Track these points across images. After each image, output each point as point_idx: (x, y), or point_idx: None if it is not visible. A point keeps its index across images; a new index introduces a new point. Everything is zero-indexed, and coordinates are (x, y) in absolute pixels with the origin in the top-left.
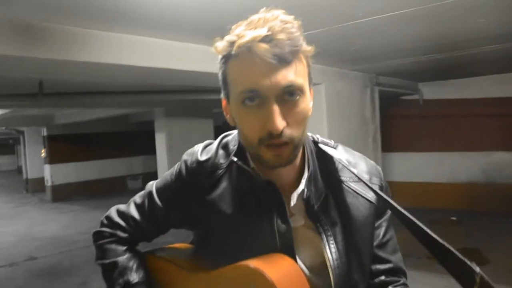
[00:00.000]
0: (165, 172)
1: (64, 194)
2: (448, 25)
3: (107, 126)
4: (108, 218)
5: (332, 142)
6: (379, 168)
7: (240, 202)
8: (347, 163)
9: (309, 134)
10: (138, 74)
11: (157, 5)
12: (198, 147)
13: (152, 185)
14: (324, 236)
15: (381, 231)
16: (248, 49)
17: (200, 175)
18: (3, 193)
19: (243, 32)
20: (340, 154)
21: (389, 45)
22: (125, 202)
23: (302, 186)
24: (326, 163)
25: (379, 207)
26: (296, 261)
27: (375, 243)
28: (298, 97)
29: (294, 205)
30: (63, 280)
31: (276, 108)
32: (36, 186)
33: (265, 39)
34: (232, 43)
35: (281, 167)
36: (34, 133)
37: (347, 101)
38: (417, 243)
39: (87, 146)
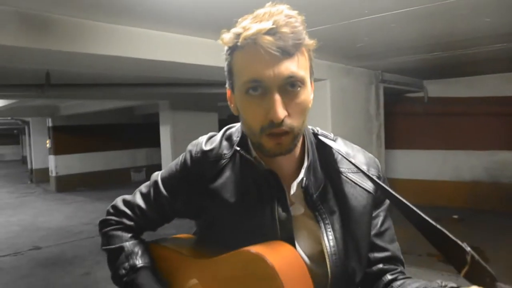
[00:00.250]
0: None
1: (68, 185)
2: (453, 24)
3: (112, 118)
4: (114, 207)
5: (331, 135)
6: (377, 160)
7: (242, 190)
8: (346, 154)
9: (310, 126)
10: (144, 66)
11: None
12: (203, 138)
13: (157, 175)
14: (322, 224)
15: (379, 220)
16: (253, 41)
17: (204, 165)
18: (7, 183)
19: (249, 25)
20: (339, 146)
21: (394, 42)
22: (129, 194)
23: (301, 175)
24: (325, 154)
25: (377, 197)
26: (295, 248)
27: (373, 232)
28: (299, 89)
29: (294, 194)
30: (67, 270)
31: (278, 98)
32: (41, 176)
33: (269, 32)
34: (238, 35)
35: (281, 155)
36: (39, 124)
37: (351, 97)
38: (418, 241)
39: (92, 137)
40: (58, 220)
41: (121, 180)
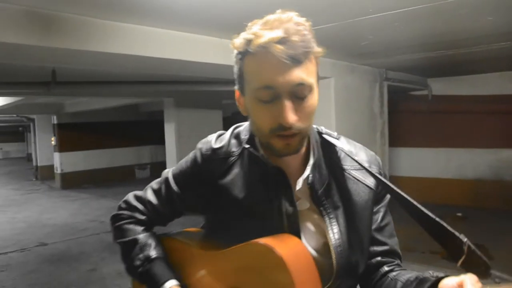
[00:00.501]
0: (174, 161)
1: (73, 182)
2: (457, 22)
3: (116, 115)
4: (126, 202)
5: (335, 134)
6: (378, 158)
7: (250, 186)
8: (349, 152)
9: (314, 125)
10: (151, 64)
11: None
12: (212, 136)
13: (168, 172)
14: (327, 219)
15: (379, 216)
16: (265, 49)
17: (214, 162)
18: (13, 180)
19: (260, 32)
20: (343, 144)
21: (399, 40)
22: (133, 190)
23: (307, 172)
24: (329, 152)
25: (378, 193)
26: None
27: (373, 227)
28: (308, 94)
29: (300, 189)
30: (73, 266)
31: (288, 104)
32: (46, 173)
33: (281, 41)
34: (249, 41)
35: (288, 155)
36: (44, 121)
37: (355, 95)
38: (421, 238)
39: (96, 134)
40: (64, 217)
41: (126, 177)
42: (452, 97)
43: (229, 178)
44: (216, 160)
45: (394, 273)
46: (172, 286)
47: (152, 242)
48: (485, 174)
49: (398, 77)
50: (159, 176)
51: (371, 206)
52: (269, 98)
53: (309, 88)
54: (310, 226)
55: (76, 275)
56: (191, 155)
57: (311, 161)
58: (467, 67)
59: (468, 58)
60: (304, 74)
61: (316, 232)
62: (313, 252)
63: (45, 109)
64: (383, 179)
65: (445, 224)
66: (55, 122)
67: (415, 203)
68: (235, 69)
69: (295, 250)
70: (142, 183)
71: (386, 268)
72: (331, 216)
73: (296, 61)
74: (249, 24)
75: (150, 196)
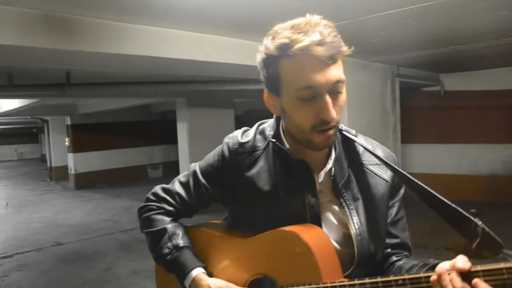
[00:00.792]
0: (187, 160)
1: (87, 182)
2: (470, 17)
3: (129, 115)
4: (155, 194)
5: (353, 131)
6: (393, 154)
7: (275, 178)
8: (367, 148)
9: None
10: (163, 65)
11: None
12: (238, 132)
13: (195, 165)
14: (347, 210)
15: (394, 210)
16: (305, 51)
17: (241, 155)
18: (28, 180)
19: (297, 36)
20: (361, 141)
21: (410, 37)
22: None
23: (329, 165)
24: (349, 147)
25: (393, 187)
26: None
27: (388, 221)
28: (342, 90)
29: (321, 182)
30: (88, 265)
31: (329, 100)
32: (60, 174)
33: (320, 43)
34: (286, 45)
35: (325, 148)
36: (58, 122)
37: (367, 92)
38: (435, 235)
39: (109, 135)
40: (78, 217)
41: (139, 177)
42: (464, 93)
43: (254, 170)
44: (243, 154)
45: (400, 262)
46: (199, 273)
47: (180, 232)
48: (499, 170)
49: (409, 73)
50: (171, 175)
51: (387, 200)
52: (310, 96)
53: (343, 84)
54: (330, 217)
55: (91, 274)
56: (218, 149)
57: (333, 155)
58: (479, 62)
59: (480, 53)
60: (340, 71)
61: (336, 223)
62: (333, 242)
63: (59, 111)
64: (400, 169)
65: (460, 210)
66: (69, 123)
67: (431, 190)
68: (265, 72)
69: (319, 237)
70: (155, 183)
71: (394, 258)
72: (351, 208)
73: (333, 60)
74: (275, 28)
75: (178, 188)
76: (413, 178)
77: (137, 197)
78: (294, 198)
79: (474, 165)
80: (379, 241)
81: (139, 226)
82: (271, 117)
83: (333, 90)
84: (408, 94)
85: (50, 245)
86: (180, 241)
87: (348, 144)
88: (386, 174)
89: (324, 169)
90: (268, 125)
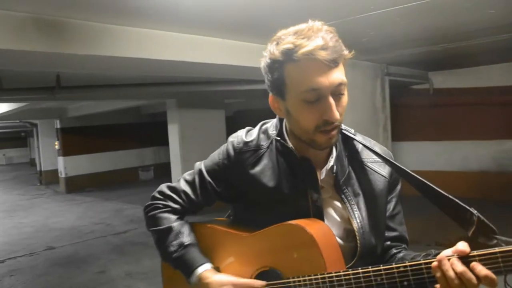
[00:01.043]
0: (179, 161)
1: (77, 185)
2: (458, 16)
3: (119, 118)
4: (161, 192)
5: (352, 130)
6: (390, 152)
7: (279, 175)
8: (365, 146)
9: None
10: (155, 66)
11: (174, 1)
12: (242, 131)
13: (200, 164)
14: (348, 205)
15: (392, 205)
16: (309, 56)
17: (245, 153)
18: (17, 185)
19: (301, 41)
20: (359, 139)
21: (400, 35)
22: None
23: (331, 163)
24: (348, 146)
25: (391, 182)
26: None
27: (387, 214)
28: (344, 91)
29: (323, 179)
30: (82, 268)
31: (333, 102)
32: (50, 178)
33: (323, 47)
34: (291, 50)
35: (328, 148)
36: (47, 126)
37: (357, 91)
38: (427, 231)
39: (100, 138)
40: (70, 221)
41: (129, 179)
42: (453, 90)
43: (259, 168)
44: (247, 152)
45: (401, 254)
46: (204, 271)
47: (185, 230)
48: (489, 166)
49: (399, 71)
50: (163, 177)
51: (385, 195)
52: (314, 98)
53: (345, 86)
54: (332, 212)
55: (85, 278)
56: (223, 148)
57: (334, 154)
58: (468, 59)
59: (469, 50)
60: (342, 74)
61: (337, 218)
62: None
63: (49, 114)
64: (398, 164)
65: (457, 200)
66: (59, 126)
67: (428, 183)
68: (270, 77)
69: (322, 230)
70: (146, 185)
71: (394, 251)
72: (352, 203)
73: (336, 63)
74: (278, 34)
75: (184, 186)
76: (411, 172)
77: (128, 200)
78: (298, 194)
79: (465, 162)
80: (379, 235)
81: (145, 224)
82: (262, 118)
83: (336, 92)
84: (398, 92)
85: (42, 249)
86: (186, 239)
87: (348, 143)
88: (384, 171)
89: (326, 166)
90: (271, 125)
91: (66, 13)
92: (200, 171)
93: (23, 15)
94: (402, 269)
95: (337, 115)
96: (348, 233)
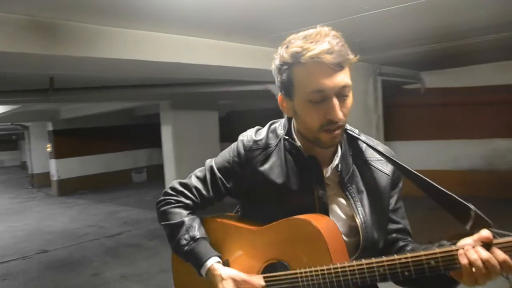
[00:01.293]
0: (172, 163)
1: (70, 188)
2: (450, 17)
3: (112, 119)
4: (173, 188)
5: (356, 130)
6: (392, 152)
7: (287, 172)
8: (369, 145)
9: None
10: (150, 68)
11: (168, 3)
12: (251, 130)
13: (211, 161)
14: (352, 202)
15: (394, 199)
16: (315, 59)
17: (254, 151)
18: (8, 188)
19: (308, 45)
20: (363, 139)
21: (393, 36)
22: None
23: (336, 161)
24: (353, 145)
25: (393, 180)
26: None
27: (389, 208)
28: (348, 94)
29: (328, 176)
30: (76, 271)
31: (337, 103)
32: (42, 181)
33: (329, 51)
34: (299, 53)
35: (332, 147)
36: (39, 128)
37: None
38: (420, 229)
39: (92, 140)
40: (63, 224)
41: (122, 181)
42: (444, 90)
43: (267, 165)
44: (257, 150)
45: (410, 247)
46: (213, 263)
47: (196, 224)
48: (479, 165)
49: (391, 71)
50: (156, 179)
51: (388, 191)
52: (319, 99)
53: (349, 88)
54: (336, 209)
55: (79, 280)
56: (233, 146)
57: (339, 152)
58: (459, 59)
59: (459, 50)
60: (346, 77)
61: (341, 214)
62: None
63: (41, 116)
64: (400, 163)
65: (455, 196)
66: (51, 128)
67: (429, 180)
68: (279, 78)
69: (328, 224)
70: (139, 187)
71: (401, 243)
72: (356, 199)
73: (341, 67)
74: (288, 38)
75: (196, 182)
76: (413, 170)
77: (121, 202)
78: (304, 190)
79: (455, 161)
80: (382, 230)
81: (157, 218)
82: (254, 118)
83: (340, 94)
84: (390, 92)
85: (35, 253)
86: (197, 232)
87: (353, 143)
88: (387, 169)
89: (331, 165)
90: (279, 124)
91: (63, 15)
92: (211, 167)
93: (18, 17)
94: (416, 258)
95: (340, 115)
96: (352, 229)
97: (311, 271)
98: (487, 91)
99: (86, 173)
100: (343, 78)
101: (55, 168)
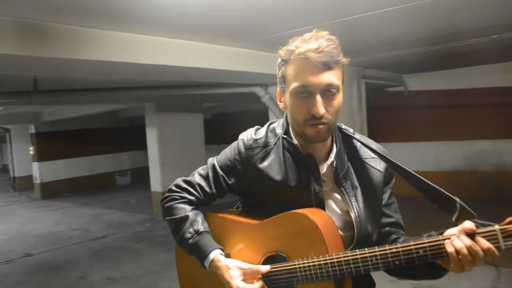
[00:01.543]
0: (158, 165)
1: (53, 191)
2: (430, 22)
3: (95, 122)
4: (177, 185)
5: (351, 130)
6: (385, 150)
7: (285, 169)
8: (363, 143)
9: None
10: (136, 70)
11: (155, 6)
12: (251, 130)
13: (213, 159)
14: (347, 197)
15: (387, 195)
16: (303, 57)
17: (255, 149)
18: None
19: (300, 44)
20: (357, 137)
21: (376, 39)
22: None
23: (331, 158)
24: (348, 143)
25: (386, 176)
26: None
27: (383, 203)
28: (334, 93)
29: (324, 173)
30: (61, 275)
31: (319, 99)
32: (24, 184)
33: (316, 51)
34: (292, 51)
35: (319, 142)
36: (21, 131)
37: None
38: (407, 226)
39: (76, 142)
40: (47, 227)
41: (106, 184)
42: (427, 92)
43: (267, 163)
44: (256, 148)
45: (402, 239)
46: (216, 255)
47: (200, 219)
48: (461, 166)
49: (374, 74)
50: (140, 182)
51: (381, 187)
52: (304, 94)
53: (336, 89)
54: (332, 203)
55: (65, 284)
56: (234, 144)
57: (334, 150)
58: (440, 62)
59: (441, 54)
60: (333, 77)
61: (336, 209)
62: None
63: (23, 119)
64: (392, 160)
65: (442, 190)
66: (33, 131)
67: (419, 176)
68: (279, 74)
69: (324, 218)
70: (123, 190)
71: (394, 236)
72: (350, 195)
73: (327, 67)
74: (291, 40)
75: (199, 179)
76: (404, 167)
77: (106, 205)
78: (302, 186)
79: (438, 162)
80: (375, 223)
81: (162, 214)
82: (238, 120)
83: (325, 92)
84: (374, 95)
85: (19, 257)
86: (201, 226)
87: (347, 141)
88: (380, 166)
89: (327, 162)
90: (278, 124)
91: (49, 17)
92: (213, 165)
93: (3, 19)
94: (406, 248)
95: (321, 111)
96: (347, 224)
97: (308, 262)
98: (468, 94)
99: (70, 176)
100: (329, 77)
101: (38, 171)
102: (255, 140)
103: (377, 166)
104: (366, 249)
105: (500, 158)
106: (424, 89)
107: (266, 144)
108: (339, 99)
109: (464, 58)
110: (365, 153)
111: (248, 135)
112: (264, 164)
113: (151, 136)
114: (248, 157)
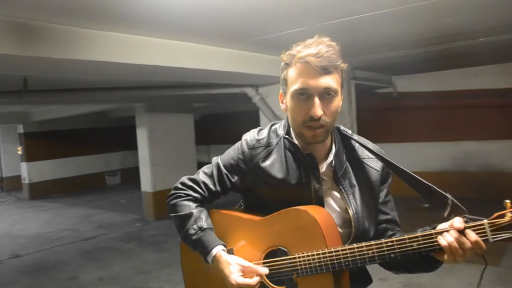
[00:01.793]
0: (148, 165)
1: (42, 191)
2: (419, 24)
3: (85, 122)
4: (182, 183)
5: (349, 131)
6: (382, 150)
7: (286, 168)
8: (361, 144)
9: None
10: (128, 70)
11: (149, 7)
12: (254, 130)
13: (217, 158)
14: (345, 195)
15: (384, 193)
16: (303, 61)
17: (257, 149)
18: None
19: (301, 49)
20: (355, 138)
21: (366, 41)
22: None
23: (330, 158)
24: (346, 144)
25: (383, 175)
26: None
27: (379, 201)
28: (332, 97)
29: (323, 172)
30: (51, 275)
31: (317, 101)
32: (12, 184)
33: (315, 56)
34: (293, 56)
35: (316, 143)
36: (9, 131)
37: None
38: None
39: (65, 142)
40: (35, 227)
41: (96, 184)
42: (415, 94)
43: (268, 162)
44: (259, 148)
45: (398, 234)
46: (219, 251)
47: (203, 216)
48: (449, 166)
49: (364, 75)
50: (129, 182)
51: (378, 186)
52: (303, 97)
53: (334, 92)
54: (331, 201)
55: (55, 285)
56: (237, 144)
57: (333, 150)
58: (430, 64)
59: (430, 56)
60: (331, 81)
61: (335, 206)
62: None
63: (11, 119)
64: (388, 159)
65: (435, 187)
66: (22, 131)
67: (414, 175)
68: (281, 77)
69: (323, 214)
70: (113, 190)
71: (390, 232)
72: (348, 193)
73: (326, 71)
74: (294, 45)
75: (203, 178)
76: (399, 165)
77: (95, 205)
78: (302, 184)
79: (426, 162)
80: (372, 220)
81: (168, 211)
82: (228, 121)
83: (324, 94)
84: (363, 96)
85: (8, 258)
86: (204, 223)
87: (346, 141)
88: (377, 165)
89: (326, 161)
90: (279, 125)
91: (40, 17)
92: (218, 164)
93: None
94: (401, 241)
95: (319, 113)
96: (345, 221)
97: (308, 255)
98: (456, 96)
99: (59, 176)
100: (327, 81)
101: (26, 171)
102: (258, 140)
103: (374, 165)
104: (363, 243)
105: (487, 159)
106: (413, 91)
107: (268, 144)
108: (337, 102)
109: (454, 61)
110: (363, 153)
111: (251, 136)
112: (266, 163)
113: (142, 136)
114: (251, 156)
